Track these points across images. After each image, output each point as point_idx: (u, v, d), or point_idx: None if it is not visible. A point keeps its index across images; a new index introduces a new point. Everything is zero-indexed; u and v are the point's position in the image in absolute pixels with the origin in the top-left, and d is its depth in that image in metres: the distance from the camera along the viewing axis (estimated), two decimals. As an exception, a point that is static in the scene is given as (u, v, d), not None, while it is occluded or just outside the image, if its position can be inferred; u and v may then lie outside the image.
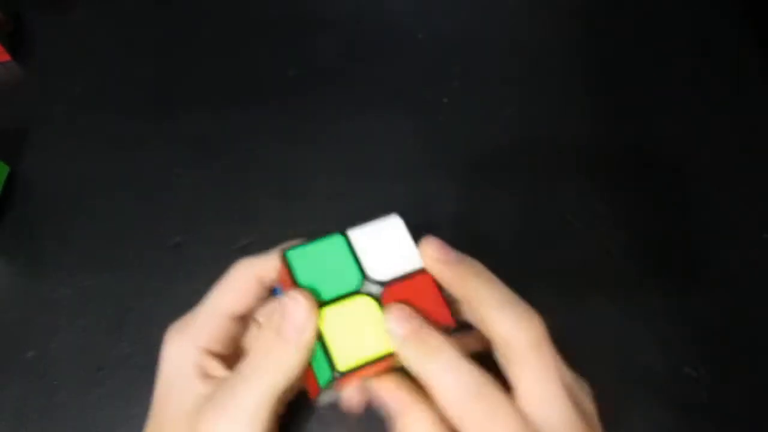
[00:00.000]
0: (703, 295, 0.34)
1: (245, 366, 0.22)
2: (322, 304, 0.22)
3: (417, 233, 0.36)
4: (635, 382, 0.31)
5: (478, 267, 0.23)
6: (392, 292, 0.23)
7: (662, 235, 0.36)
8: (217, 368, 0.24)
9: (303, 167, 0.38)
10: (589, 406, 0.23)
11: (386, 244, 0.24)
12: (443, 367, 0.21)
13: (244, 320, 0.26)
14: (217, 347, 0.24)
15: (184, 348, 0.24)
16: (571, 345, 0.33)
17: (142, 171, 0.38)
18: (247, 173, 0.38)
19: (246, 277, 0.25)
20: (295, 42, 0.43)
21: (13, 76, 0.42)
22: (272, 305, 0.26)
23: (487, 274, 0.23)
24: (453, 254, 0.24)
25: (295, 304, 0.21)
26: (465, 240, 0.36)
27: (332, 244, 0.23)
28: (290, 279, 0.23)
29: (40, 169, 0.38)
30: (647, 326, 0.33)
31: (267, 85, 0.41)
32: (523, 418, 0.20)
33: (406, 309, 0.22)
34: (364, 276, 0.23)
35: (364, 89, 0.41)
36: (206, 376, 0.23)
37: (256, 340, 0.24)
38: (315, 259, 0.23)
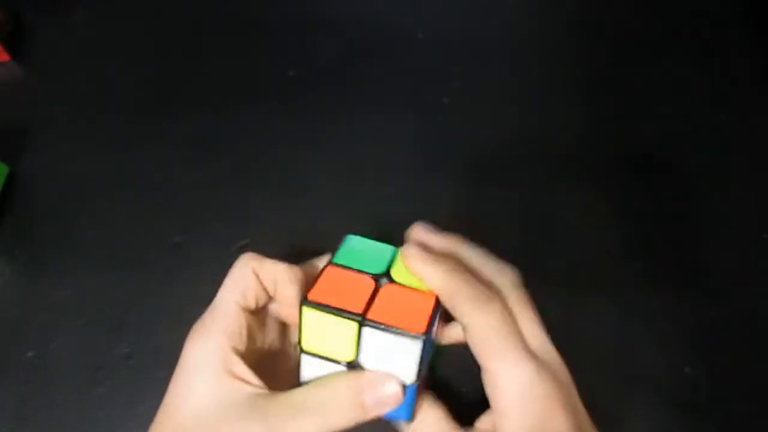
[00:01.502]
0: (703, 295, 0.34)
1: (313, 399, 0.23)
2: (341, 267, 0.25)
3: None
4: (635, 382, 0.31)
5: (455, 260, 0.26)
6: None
7: (662, 235, 0.36)
8: (243, 369, 0.23)
9: (303, 167, 0.38)
10: None
11: None
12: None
13: (258, 315, 0.26)
14: (239, 345, 0.24)
15: (209, 347, 0.24)
16: (571, 345, 0.33)
17: (142, 171, 0.38)
18: (247, 173, 0.38)
19: (249, 271, 0.25)
20: (295, 42, 0.43)
21: (13, 76, 0.42)
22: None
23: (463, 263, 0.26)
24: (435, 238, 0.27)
25: (392, 386, 0.23)
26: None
27: (383, 247, 0.27)
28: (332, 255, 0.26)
29: (40, 169, 0.38)
30: (647, 326, 0.33)
31: (267, 85, 0.41)
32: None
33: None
34: (386, 273, 0.25)
35: (364, 89, 0.41)
36: (233, 375, 0.23)
37: (334, 382, 0.23)
38: (363, 248, 0.26)
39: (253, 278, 0.25)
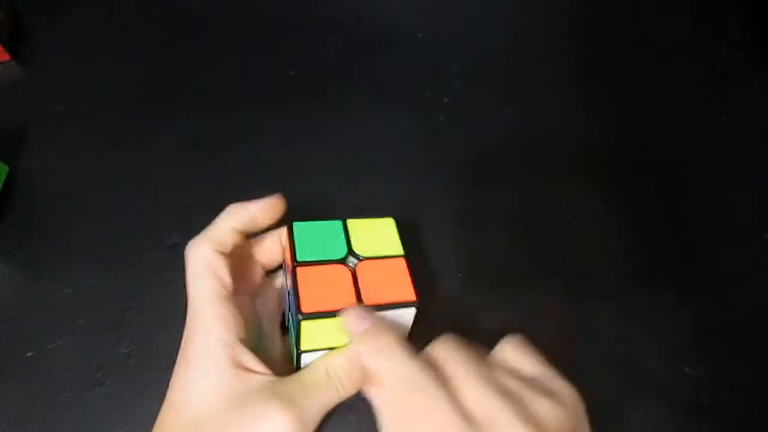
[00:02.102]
0: (703, 295, 0.34)
1: (322, 376, 0.24)
2: (308, 264, 0.26)
3: (416, 232, 0.36)
4: (635, 382, 0.31)
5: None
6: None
7: (662, 235, 0.36)
8: (250, 359, 0.24)
9: (303, 167, 0.38)
10: (539, 407, 0.22)
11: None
12: (390, 361, 0.23)
13: (245, 293, 0.27)
14: (241, 332, 0.24)
15: (212, 343, 0.24)
16: (571, 345, 0.33)
17: (141, 171, 0.38)
18: (247, 173, 0.38)
19: (208, 255, 0.25)
20: (295, 42, 0.43)
21: (13, 76, 0.42)
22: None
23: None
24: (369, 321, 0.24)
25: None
26: (465, 240, 0.36)
27: (332, 225, 0.28)
28: (290, 246, 0.26)
29: (40, 169, 0.38)
30: (647, 326, 0.33)
31: (267, 85, 0.41)
32: (462, 411, 0.21)
33: (362, 311, 0.24)
34: (349, 251, 0.27)
35: (364, 89, 0.41)
36: (241, 367, 0.24)
37: (335, 358, 0.24)
38: (315, 232, 0.27)
39: (218, 257, 0.25)
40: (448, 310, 0.31)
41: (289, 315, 0.28)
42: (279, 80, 0.42)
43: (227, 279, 0.25)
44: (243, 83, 0.41)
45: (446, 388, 0.22)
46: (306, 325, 0.24)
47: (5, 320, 0.33)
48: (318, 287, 0.25)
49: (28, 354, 0.32)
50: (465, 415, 0.21)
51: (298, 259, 0.26)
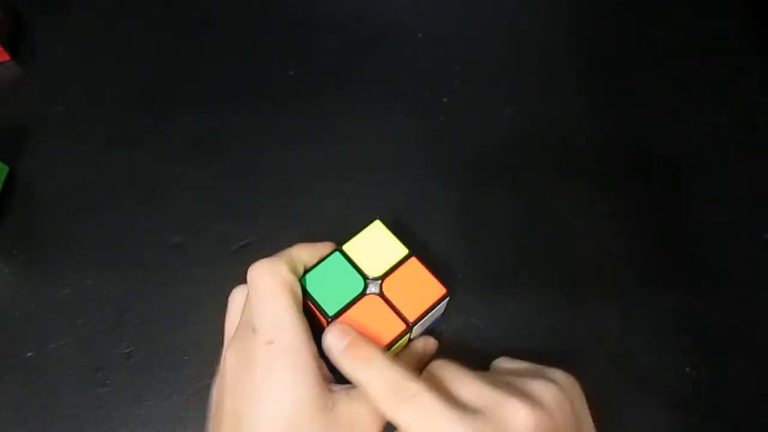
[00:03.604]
0: (703, 295, 0.34)
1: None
2: (341, 312, 0.26)
3: (416, 233, 0.36)
4: (635, 382, 0.31)
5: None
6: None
7: (662, 235, 0.36)
8: (327, 372, 0.25)
9: (303, 167, 0.38)
10: (535, 387, 0.24)
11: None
12: (374, 373, 0.23)
13: None
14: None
15: (310, 359, 0.24)
16: (571, 345, 0.33)
17: (142, 171, 0.38)
18: (247, 173, 0.38)
19: (287, 275, 0.26)
20: (295, 42, 0.43)
21: (13, 76, 0.42)
22: None
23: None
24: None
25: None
26: (464, 240, 0.36)
27: (334, 260, 0.28)
28: (307, 299, 0.27)
29: (40, 169, 0.38)
30: (647, 326, 0.33)
31: (267, 85, 0.41)
32: (459, 405, 0.22)
33: (343, 326, 0.25)
34: (365, 278, 0.27)
35: (364, 89, 0.41)
36: (325, 378, 0.25)
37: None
38: (324, 277, 0.27)
39: (294, 278, 0.26)
40: (447, 310, 0.31)
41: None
42: (279, 80, 0.42)
43: (300, 299, 0.26)
44: (243, 83, 0.41)
45: (438, 389, 0.23)
46: None
47: (5, 320, 0.33)
48: (362, 330, 0.26)
49: (28, 354, 0.32)
50: (464, 408, 0.22)
51: (330, 314, 0.26)
